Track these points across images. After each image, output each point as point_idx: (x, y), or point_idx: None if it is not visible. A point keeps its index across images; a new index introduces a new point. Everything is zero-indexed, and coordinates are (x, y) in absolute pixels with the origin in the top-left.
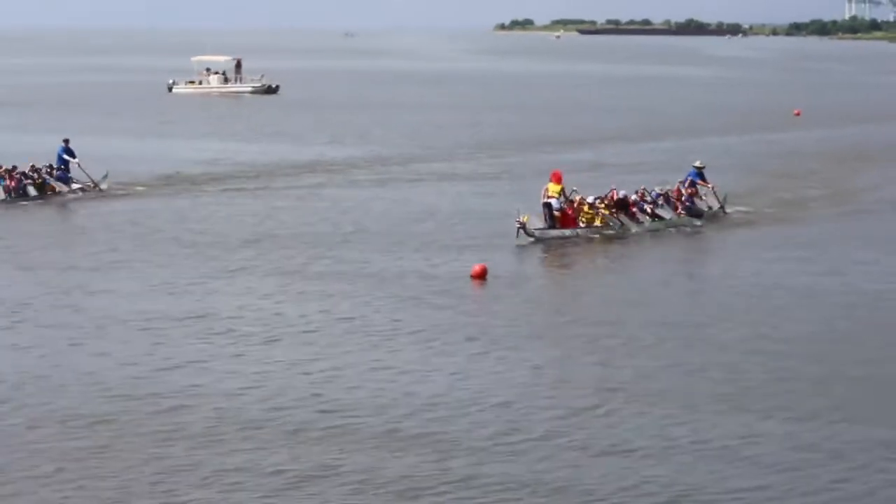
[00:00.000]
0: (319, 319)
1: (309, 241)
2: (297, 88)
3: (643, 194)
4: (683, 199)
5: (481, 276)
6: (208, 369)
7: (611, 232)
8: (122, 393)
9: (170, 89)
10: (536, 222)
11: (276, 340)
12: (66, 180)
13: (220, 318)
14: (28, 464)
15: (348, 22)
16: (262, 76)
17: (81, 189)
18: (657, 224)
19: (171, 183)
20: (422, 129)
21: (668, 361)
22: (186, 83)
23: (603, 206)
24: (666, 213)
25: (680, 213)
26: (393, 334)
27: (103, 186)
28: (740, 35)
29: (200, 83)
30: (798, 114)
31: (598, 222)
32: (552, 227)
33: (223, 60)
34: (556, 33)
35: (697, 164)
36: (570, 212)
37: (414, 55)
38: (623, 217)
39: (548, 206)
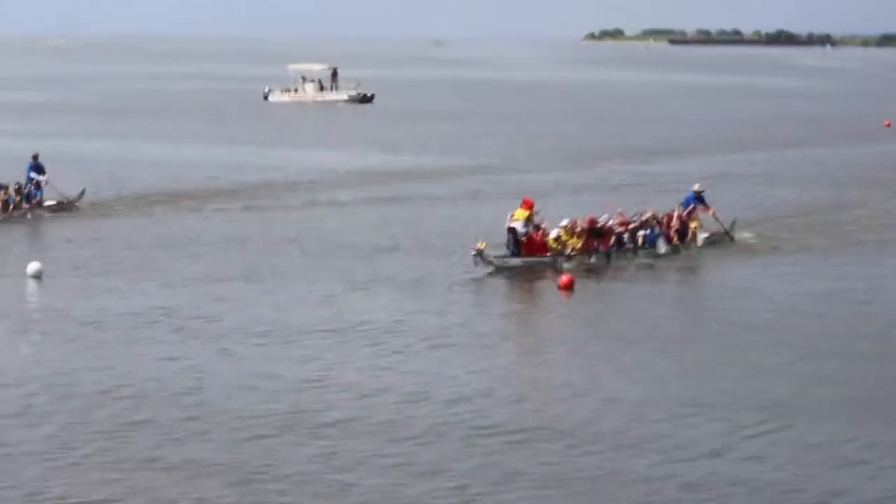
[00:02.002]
0: (445, 329)
1: (424, 251)
2: (391, 97)
3: (624, 221)
4: (673, 225)
5: (569, 286)
6: (352, 381)
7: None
8: (274, 409)
9: (265, 97)
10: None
11: (410, 347)
12: (37, 198)
13: (355, 327)
14: (183, 474)
15: (437, 30)
16: (358, 85)
17: (56, 206)
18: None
19: (281, 192)
20: (517, 139)
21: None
22: (282, 91)
23: (574, 235)
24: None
25: (675, 241)
26: (500, 338)
27: (78, 204)
28: (829, 46)
29: (296, 91)
30: (889, 125)
31: (570, 249)
32: (515, 254)
33: (319, 69)
34: (647, 43)
35: (696, 187)
36: (537, 238)
37: (505, 65)
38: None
39: (512, 231)
